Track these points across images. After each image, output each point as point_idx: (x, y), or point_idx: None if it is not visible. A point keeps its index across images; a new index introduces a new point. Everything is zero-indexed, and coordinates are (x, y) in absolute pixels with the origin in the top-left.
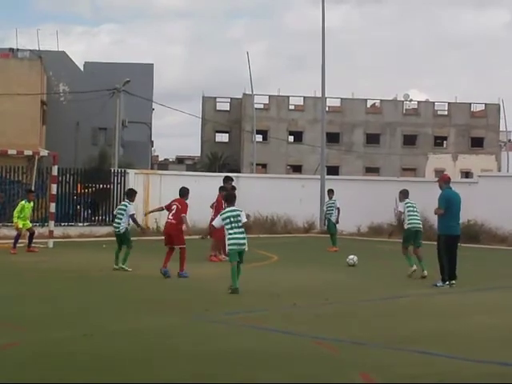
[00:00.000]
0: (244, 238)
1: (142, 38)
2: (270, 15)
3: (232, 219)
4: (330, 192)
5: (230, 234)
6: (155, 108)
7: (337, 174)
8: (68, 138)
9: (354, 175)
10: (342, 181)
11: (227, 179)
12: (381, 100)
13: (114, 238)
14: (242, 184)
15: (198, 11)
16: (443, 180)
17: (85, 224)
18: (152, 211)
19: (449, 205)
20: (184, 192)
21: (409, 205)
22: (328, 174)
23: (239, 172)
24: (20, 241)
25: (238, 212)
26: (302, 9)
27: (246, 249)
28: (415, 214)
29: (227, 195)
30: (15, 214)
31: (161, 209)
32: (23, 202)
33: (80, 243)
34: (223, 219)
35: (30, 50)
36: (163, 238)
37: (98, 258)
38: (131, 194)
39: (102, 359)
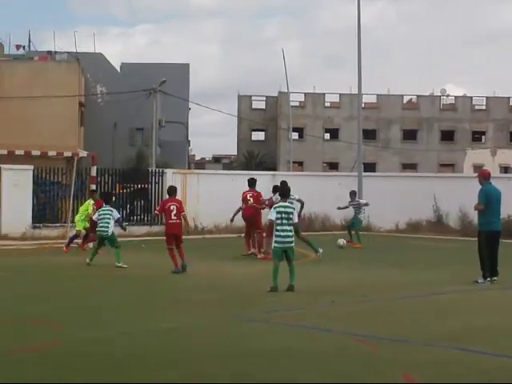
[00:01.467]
0: (291, 237)
1: (177, 37)
2: (305, 13)
3: (283, 215)
4: (353, 194)
5: (278, 230)
6: (191, 107)
7: (373, 170)
8: (106, 139)
9: (390, 172)
10: (379, 177)
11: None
12: (417, 95)
13: (152, 238)
14: (278, 182)
15: (231, 10)
16: (483, 175)
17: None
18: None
19: (489, 200)
20: (173, 190)
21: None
22: (365, 171)
23: (275, 170)
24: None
25: (291, 209)
26: (337, 6)
27: (293, 246)
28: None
29: (282, 189)
30: (81, 212)
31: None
32: (89, 200)
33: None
34: (276, 213)
35: (68, 53)
36: (167, 237)
37: (136, 257)
38: (109, 198)
39: (140, 358)
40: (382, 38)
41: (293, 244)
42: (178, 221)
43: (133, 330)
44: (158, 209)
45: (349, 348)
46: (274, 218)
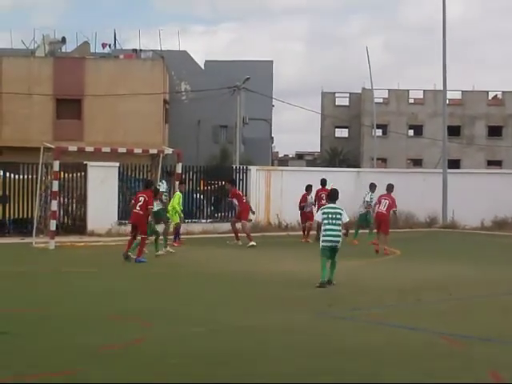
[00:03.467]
0: (338, 236)
1: (261, 34)
2: (389, 8)
3: (330, 215)
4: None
5: (326, 229)
6: (275, 104)
7: (458, 167)
8: (190, 136)
9: (475, 168)
10: (464, 174)
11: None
12: (503, 92)
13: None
14: (362, 179)
15: (315, 7)
16: None
17: (208, 221)
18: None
19: None
20: (150, 183)
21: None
22: (449, 168)
23: (359, 167)
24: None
25: (338, 210)
26: (422, 1)
27: (339, 246)
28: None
29: (331, 192)
30: (176, 206)
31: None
32: (177, 193)
33: (203, 240)
34: (323, 214)
35: (153, 50)
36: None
37: (221, 254)
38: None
39: (227, 355)
40: (466, 33)
41: (339, 244)
42: (141, 212)
43: (221, 328)
44: (134, 197)
45: (436, 346)
46: (320, 220)
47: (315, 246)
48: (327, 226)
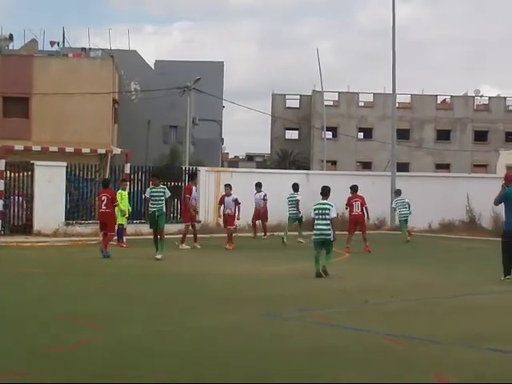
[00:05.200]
0: (328, 230)
1: (213, 36)
2: (341, 12)
3: (319, 211)
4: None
5: (315, 225)
6: (225, 105)
7: (407, 170)
8: (139, 136)
9: (424, 172)
10: (412, 177)
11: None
12: (451, 96)
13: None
14: (312, 181)
15: (268, 9)
16: (506, 178)
17: None
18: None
19: (506, 201)
20: (108, 182)
21: None
22: (398, 171)
23: (309, 169)
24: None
25: (326, 206)
26: (373, 6)
27: (332, 239)
28: None
29: (322, 188)
30: (121, 205)
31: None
32: (120, 191)
33: (151, 241)
34: (314, 210)
35: (102, 50)
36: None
37: (170, 255)
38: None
39: (177, 356)
40: (416, 38)
41: (329, 237)
42: (108, 210)
43: (168, 328)
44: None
45: (381, 347)
46: (312, 216)
47: (266, 248)
48: (316, 222)
